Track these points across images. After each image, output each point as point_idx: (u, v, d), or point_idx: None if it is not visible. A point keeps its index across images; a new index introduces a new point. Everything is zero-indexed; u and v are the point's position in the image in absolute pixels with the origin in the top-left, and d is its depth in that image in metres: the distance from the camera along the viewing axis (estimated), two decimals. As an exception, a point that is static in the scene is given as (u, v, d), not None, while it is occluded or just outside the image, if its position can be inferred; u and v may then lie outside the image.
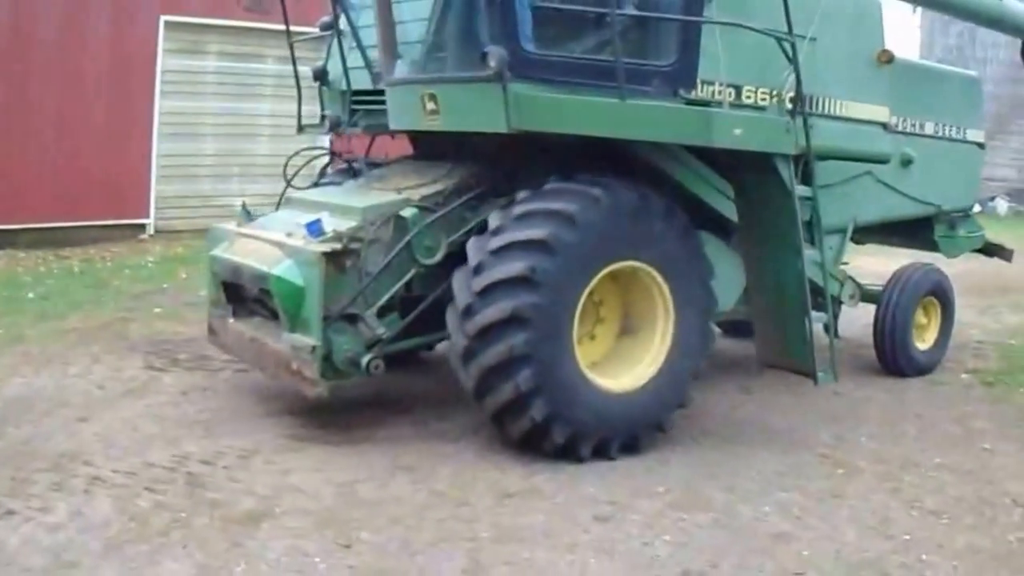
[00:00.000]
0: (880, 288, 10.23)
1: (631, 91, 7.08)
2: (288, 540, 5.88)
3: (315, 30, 10.00)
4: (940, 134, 10.24)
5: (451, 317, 7.24)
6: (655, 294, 7.62)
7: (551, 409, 7.06)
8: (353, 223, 7.56)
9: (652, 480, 7.12)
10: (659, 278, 7.55)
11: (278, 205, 9.19)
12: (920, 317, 10.35)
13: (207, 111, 17.50)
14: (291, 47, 9.94)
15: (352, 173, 9.32)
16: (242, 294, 8.26)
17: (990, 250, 11.53)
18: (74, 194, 16.20)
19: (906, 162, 9.85)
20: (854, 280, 10.00)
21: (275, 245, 7.71)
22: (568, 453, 7.23)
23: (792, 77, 7.65)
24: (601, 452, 7.34)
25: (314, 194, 8.87)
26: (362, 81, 9.00)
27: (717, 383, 9.41)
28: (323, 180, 9.61)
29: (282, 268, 7.40)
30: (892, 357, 10.14)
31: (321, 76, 9.65)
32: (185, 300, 12.14)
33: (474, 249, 7.20)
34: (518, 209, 7.21)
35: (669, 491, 6.94)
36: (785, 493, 7.03)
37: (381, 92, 8.41)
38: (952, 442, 8.32)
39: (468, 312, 7.03)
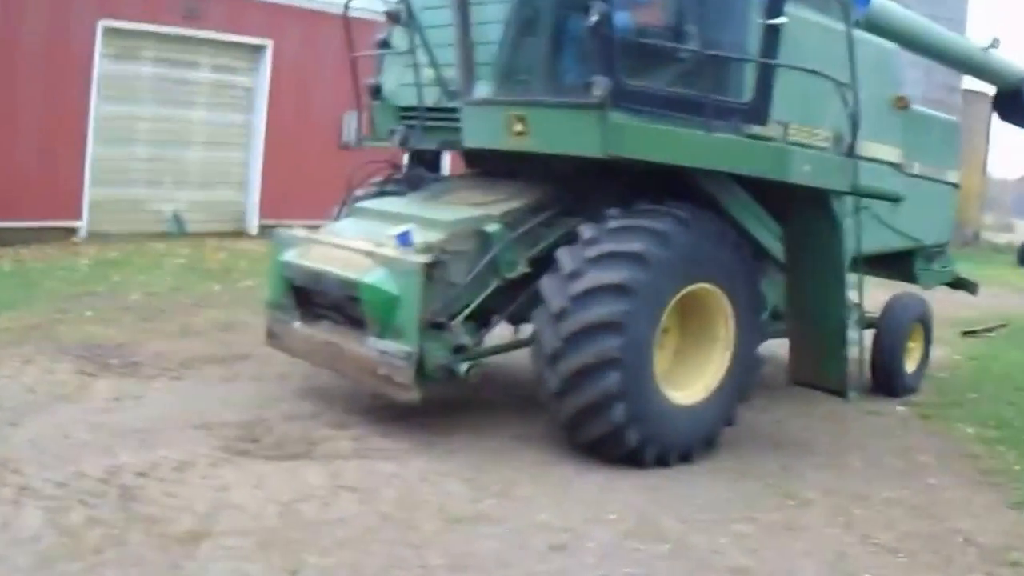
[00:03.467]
0: (876, 315, 10.55)
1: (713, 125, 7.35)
2: (230, 562, 5.32)
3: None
4: (925, 174, 10.42)
5: (540, 320, 7.33)
6: (719, 316, 7.83)
7: (630, 415, 7.19)
8: (440, 235, 7.66)
9: (603, 507, 6.66)
10: (726, 301, 7.78)
11: (339, 214, 9.20)
12: (909, 342, 10.71)
13: (142, 116, 16.79)
14: (353, 63, 9.94)
15: (411, 185, 9.47)
16: (311, 299, 8.25)
17: (958, 283, 12.01)
18: (7, 195, 15.42)
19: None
20: (860, 307, 9.80)
21: (363, 254, 7.71)
22: (634, 459, 7.37)
23: (832, 117, 7.89)
24: (662, 461, 7.49)
25: (382, 204, 8.86)
26: (411, 98, 9.21)
27: None
28: (379, 190, 9.70)
29: (375, 276, 7.47)
30: (887, 378, 10.48)
31: (375, 92, 9.82)
32: (118, 304, 11.47)
33: (568, 257, 7.32)
34: (613, 223, 7.40)
35: (622, 519, 6.49)
36: (738, 525, 6.62)
37: (431, 109, 8.89)
38: (898, 476, 8.01)
39: (562, 315, 7.12)
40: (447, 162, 10.89)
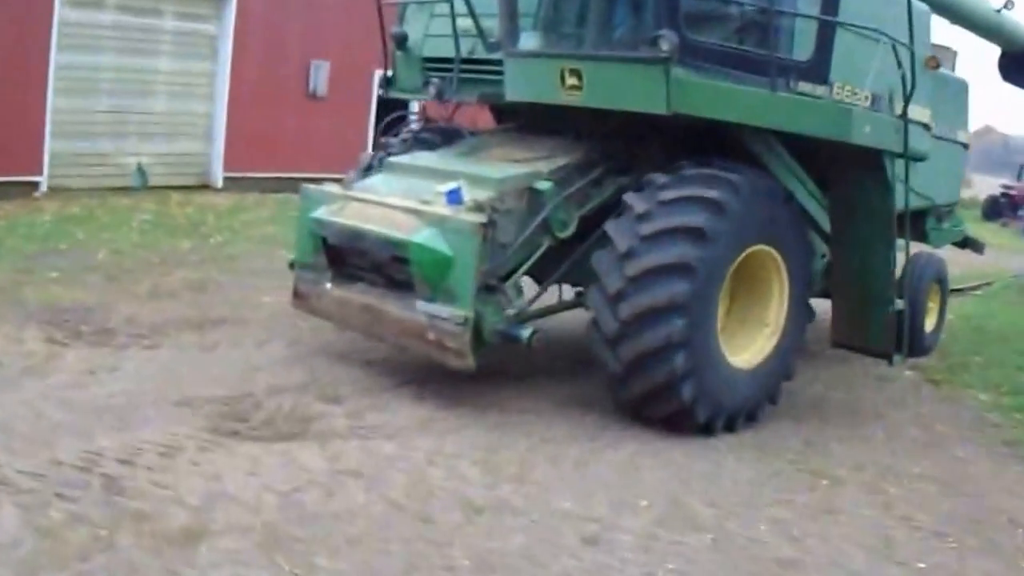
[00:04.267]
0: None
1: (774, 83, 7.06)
2: (232, 567, 4.64)
3: None
4: (939, 134, 9.96)
5: (596, 300, 6.99)
6: (773, 275, 7.57)
7: (698, 390, 6.95)
8: (490, 193, 7.21)
9: (628, 491, 6.07)
10: (779, 260, 7.50)
11: (368, 169, 8.65)
12: (928, 301, 10.31)
13: (104, 66, 15.70)
14: (379, 10, 9.37)
15: (445, 140, 9.01)
16: (346, 259, 7.80)
17: (966, 243, 11.76)
18: (-37, 148, 14.34)
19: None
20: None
21: (409, 212, 7.22)
22: (706, 431, 7.13)
23: (872, 76, 7.52)
24: (729, 427, 7.29)
25: (416, 159, 8.36)
26: (438, 48, 8.91)
27: None
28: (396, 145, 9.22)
29: (425, 236, 6.99)
30: (910, 339, 9.63)
31: (401, 41, 9.37)
32: (84, 263, 10.58)
33: (621, 233, 6.94)
34: (665, 194, 7.00)
35: (652, 505, 5.90)
36: (773, 509, 6.09)
37: (467, 60, 8.56)
38: (922, 448, 7.54)
39: (620, 297, 6.80)
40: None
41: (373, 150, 9.14)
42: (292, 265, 8.42)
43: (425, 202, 7.27)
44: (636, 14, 7.50)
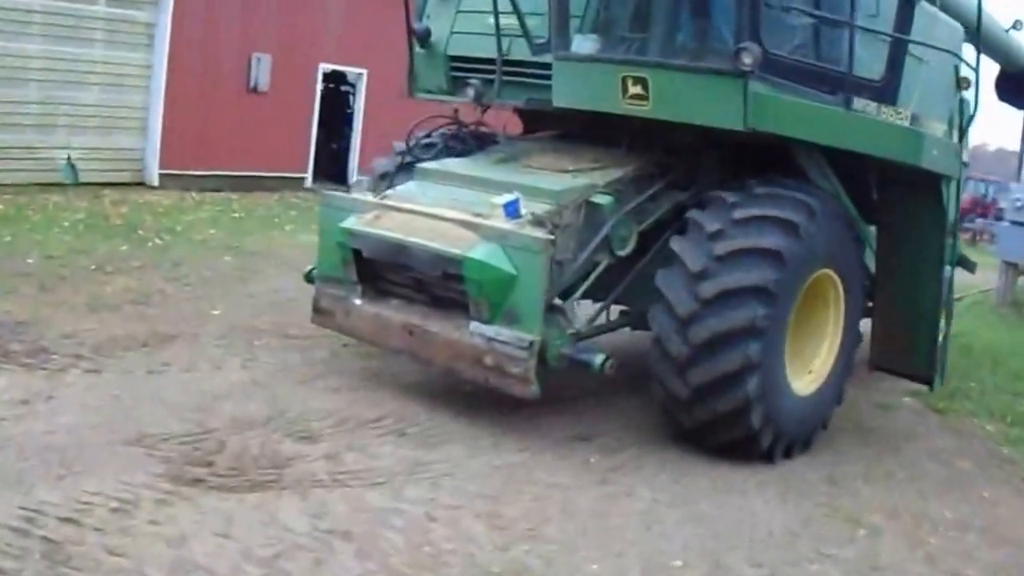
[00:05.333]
0: None
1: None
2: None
3: None
4: None
5: (663, 320, 6.42)
6: (831, 298, 7.10)
7: (766, 416, 6.48)
8: (548, 207, 6.61)
9: (659, 549, 5.22)
10: (840, 284, 7.05)
11: (387, 175, 8.11)
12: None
13: (32, 54, 14.37)
14: (406, 4, 8.54)
15: (477, 145, 8.33)
16: (380, 273, 7.11)
17: (960, 261, 10.81)
18: None
19: None
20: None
21: (461, 224, 6.55)
22: (765, 457, 6.66)
23: (912, 95, 7.31)
24: (787, 454, 6.83)
25: (452, 166, 7.63)
26: (467, 47, 8.30)
27: (652, 403, 7.51)
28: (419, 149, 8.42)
29: (484, 252, 6.33)
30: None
31: (424, 38, 8.54)
32: (13, 269, 9.37)
33: (692, 252, 6.41)
34: (739, 213, 6.49)
35: (688, 566, 5.06)
36: (816, 565, 5.31)
37: (508, 62, 7.93)
38: (947, 489, 6.82)
39: (693, 320, 6.27)
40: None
41: (401, 153, 8.34)
42: (309, 278, 7.75)
43: (479, 215, 6.57)
44: (706, 20, 6.96)
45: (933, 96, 7.82)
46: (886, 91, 7.11)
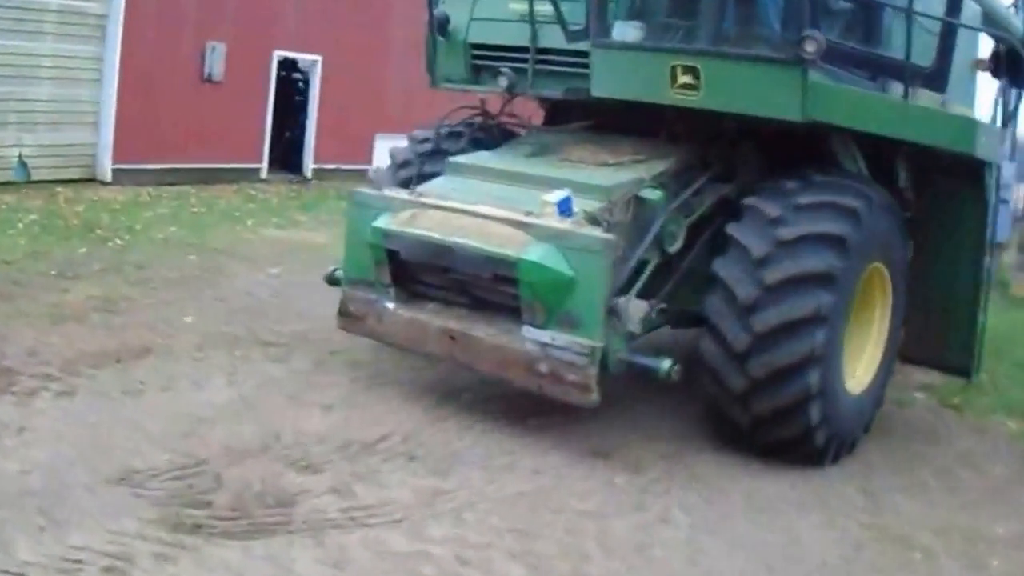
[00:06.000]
0: None
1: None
2: None
3: None
4: None
5: (720, 309, 6.04)
6: (878, 295, 6.81)
7: (823, 414, 6.11)
8: (598, 203, 6.20)
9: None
10: (888, 279, 6.77)
11: (405, 165, 7.78)
12: None
13: (-23, 47, 13.45)
14: None
15: (502, 137, 8.02)
16: (416, 276, 6.62)
17: None
18: None
19: None
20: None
21: (515, 225, 6.08)
22: (818, 459, 6.30)
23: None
24: (836, 457, 6.42)
25: (489, 161, 7.20)
26: (489, 34, 7.85)
27: (665, 409, 7.03)
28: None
29: (540, 253, 5.90)
30: None
31: (442, 25, 8.05)
32: (-37, 276, 8.65)
33: (753, 238, 6.08)
34: (801, 199, 6.22)
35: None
36: (881, 600, 4.75)
37: (511, 49, 7.64)
38: (989, 500, 6.31)
39: (755, 307, 5.91)
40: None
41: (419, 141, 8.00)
42: (333, 280, 7.24)
43: (530, 213, 6.10)
44: (757, 7, 6.58)
45: (958, 79, 7.37)
46: (936, 78, 6.77)
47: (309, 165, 17.81)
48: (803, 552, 5.18)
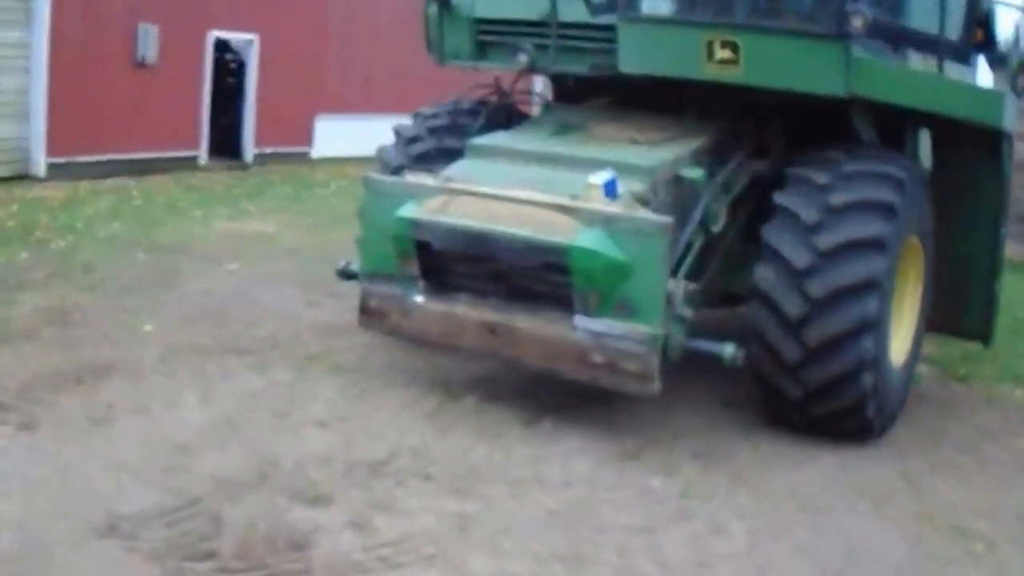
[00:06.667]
0: None
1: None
2: None
3: None
4: None
5: (773, 277, 5.83)
6: (911, 268, 6.66)
7: (874, 383, 5.90)
8: (642, 184, 5.96)
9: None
10: (921, 252, 6.66)
11: (414, 141, 7.43)
12: None
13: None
14: None
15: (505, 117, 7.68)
16: (449, 267, 6.15)
17: None
18: None
19: None
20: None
21: (561, 210, 5.71)
22: (866, 432, 6.10)
23: None
24: (881, 431, 6.22)
25: (510, 141, 6.84)
26: (498, 8, 7.46)
27: (683, 400, 6.56)
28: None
29: (593, 239, 5.55)
30: None
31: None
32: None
33: (804, 204, 5.92)
34: (848, 167, 6.11)
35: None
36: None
37: (521, 24, 7.27)
38: (1021, 473, 6.03)
39: (811, 274, 5.72)
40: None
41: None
42: (347, 273, 6.80)
43: (576, 196, 5.74)
44: None
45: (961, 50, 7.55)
46: (962, 51, 6.89)
47: (249, 150, 16.95)
48: (866, 552, 4.79)
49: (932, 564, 4.72)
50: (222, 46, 16.52)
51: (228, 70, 17.03)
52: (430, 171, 6.51)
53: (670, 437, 5.97)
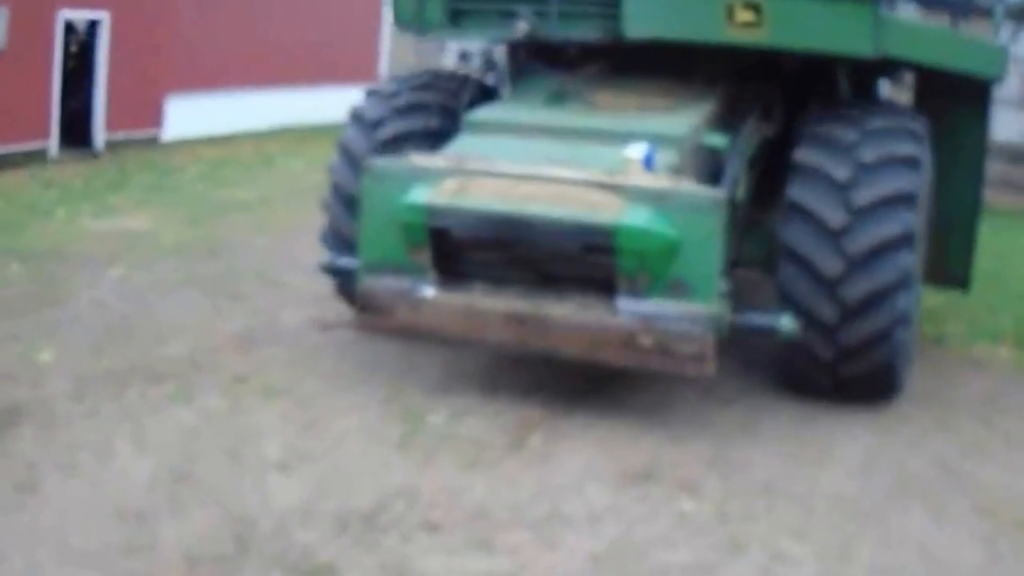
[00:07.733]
0: None
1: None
2: None
3: None
4: None
5: (807, 238, 5.66)
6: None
7: (905, 340, 5.78)
8: (674, 155, 5.63)
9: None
10: (927, 202, 6.48)
11: (411, 110, 6.85)
12: None
13: None
14: None
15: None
16: (468, 255, 5.69)
17: None
18: None
19: None
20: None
21: (595, 187, 5.29)
22: (894, 390, 5.99)
23: None
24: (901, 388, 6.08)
25: (511, 114, 6.45)
26: None
27: (673, 401, 6.06)
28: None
29: (642, 217, 5.16)
30: None
31: None
32: None
33: (834, 161, 5.75)
34: (871, 124, 5.98)
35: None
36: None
37: None
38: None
39: (847, 230, 5.57)
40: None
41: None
42: (335, 270, 6.35)
43: (612, 172, 5.35)
44: None
45: None
46: (964, 5, 7.07)
47: (100, 138, 15.51)
48: (944, 561, 4.32)
49: (1016, 566, 4.25)
50: (71, 27, 15.09)
51: (77, 52, 15.61)
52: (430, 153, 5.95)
53: (679, 449, 5.34)
